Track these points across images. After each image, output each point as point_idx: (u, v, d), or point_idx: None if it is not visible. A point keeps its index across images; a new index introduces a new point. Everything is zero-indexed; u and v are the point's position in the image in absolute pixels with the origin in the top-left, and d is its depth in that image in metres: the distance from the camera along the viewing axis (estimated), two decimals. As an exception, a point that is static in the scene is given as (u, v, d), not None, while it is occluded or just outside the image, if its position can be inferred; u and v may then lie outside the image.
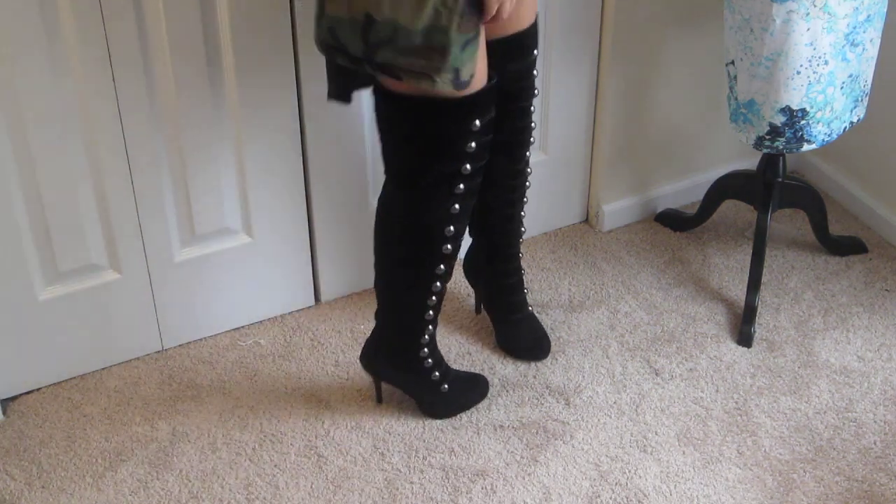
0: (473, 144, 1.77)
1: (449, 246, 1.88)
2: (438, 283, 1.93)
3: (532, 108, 1.99)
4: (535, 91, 1.98)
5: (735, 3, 2.02)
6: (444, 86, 1.66)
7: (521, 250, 2.20)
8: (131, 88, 1.93)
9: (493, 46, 1.84)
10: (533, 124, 2.02)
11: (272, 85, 2.05)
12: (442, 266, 1.90)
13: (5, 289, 2.01)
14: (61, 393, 2.13)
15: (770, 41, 1.98)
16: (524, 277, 2.23)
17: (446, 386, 2.07)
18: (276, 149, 2.12)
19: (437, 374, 2.06)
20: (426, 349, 2.03)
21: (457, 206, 1.84)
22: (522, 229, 2.17)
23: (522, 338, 2.22)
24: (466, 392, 2.11)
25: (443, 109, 1.73)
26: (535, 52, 1.95)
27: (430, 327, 2.01)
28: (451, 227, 1.86)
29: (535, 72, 1.96)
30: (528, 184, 2.10)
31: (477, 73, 1.70)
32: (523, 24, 1.89)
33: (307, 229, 2.25)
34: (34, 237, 2.00)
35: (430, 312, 1.98)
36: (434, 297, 1.96)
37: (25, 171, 1.92)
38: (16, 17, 1.78)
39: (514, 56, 1.90)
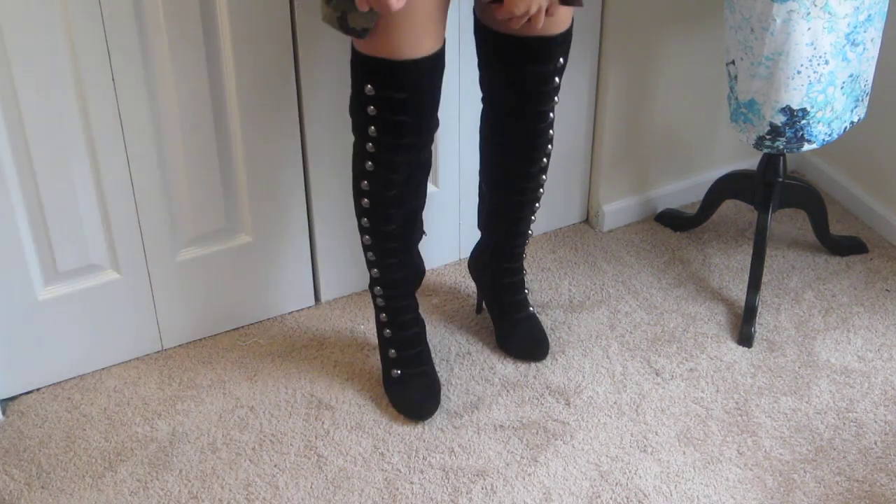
0: (373, 108, 1.78)
1: (366, 200, 1.89)
2: (367, 237, 1.95)
3: (551, 114, 1.96)
4: (556, 99, 1.95)
5: (735, 3, 2.02)
6: (330, 20, 1.70)
7: (525, 251, 2.20)
8: (131, 88, 1.93)
9: (514, 45, 1.83)
10: (552, 132, 1.99)
11: (272, 85, 2.05)
12: (365, 219, 1.92)
13: (5, 289, 2.01)
14: (61, 393, 2.13)
15: (770, 41, 1.98)
16: (525, 278, 2.23)
17: (399, 372, 2.08)
18: (276, 149, 2.12)
19: (392, 351, 2.08)
20: (384, 314, 2.06)
21: (370, 163, 1.84)
22: (529, 232, 2.15)
23: (520, 338, 2.22)
24: (413, 399, 2.08)
25: (352, 51, 1.78)
26: (562, 60, 1.89)
27: (379, 289, 2.02)
28: (366, 183, 1.87)
29: (557, 79, 1.91)
30: (541, 191, 2.08)
31: (384, 43, 1.71)
32: (549, 30, 1.82)
33: (307, 229, 2.25)
34: (34, 237, 1.99)
35: (375, 270, 1.99)
36: (371, 254, 1.97)
37: (25, 171, 1.92)
38: (24, 30, 1.79)
39: (535, 60, 1.86)
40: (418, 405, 2.08)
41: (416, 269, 2.07)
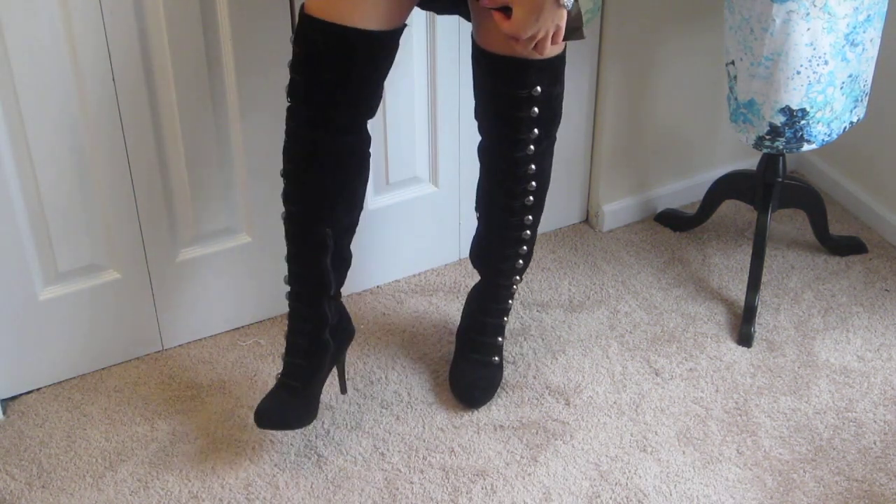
0: (291, 58, 1.71)
1: (284, 180, 1.79)
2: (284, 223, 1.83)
3: (531, 147, 1.83)
4: (535, 132, 1.82)
5: (735, 3, 2.02)
6: None
7: (511, 301, 2.10)
8: (131, 88, 1.93)
9: (493, 62, 1.77)
10: (533, 167, 1.87)
11: (272, 84, 2.05)
12: (283, 208, 1.81)
13: (5, 289, 2.01)
14: (61, 393, 2.14)
15: (770, 41, 1.98)
16: (505, 325, 2.13)
17: (279, 374, 1.91)
18: (275, 148, 2.11)
19: (284, 349, 1.91)
20: (289, 303, 1.88)
21: (287, 135, 1.76)
22: (517, 278, 2.05)
23: (464, 378, 2.10)
24: (263, 402, 1.89)
25: None
26: (540, 88, 1.76)
27: (288, 277, 1.85)
28: (283, 163, 1.78)
29: (536, 109, 1.78)
30: (527, 233, 1.96)
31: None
32: (515, 50, 1.69)
33: (307, 229, 2.25)
34: (34, 237, 2.00)
35: (287, 258, 1.84)
36: (286, 238, 1.83)
37: (25, 170, 1.92)
38: (24, 29, 1.79)
39: (509, 82, 1.77)
40: (261, 409, 1.88)
41: (318, 275, 1.84)
